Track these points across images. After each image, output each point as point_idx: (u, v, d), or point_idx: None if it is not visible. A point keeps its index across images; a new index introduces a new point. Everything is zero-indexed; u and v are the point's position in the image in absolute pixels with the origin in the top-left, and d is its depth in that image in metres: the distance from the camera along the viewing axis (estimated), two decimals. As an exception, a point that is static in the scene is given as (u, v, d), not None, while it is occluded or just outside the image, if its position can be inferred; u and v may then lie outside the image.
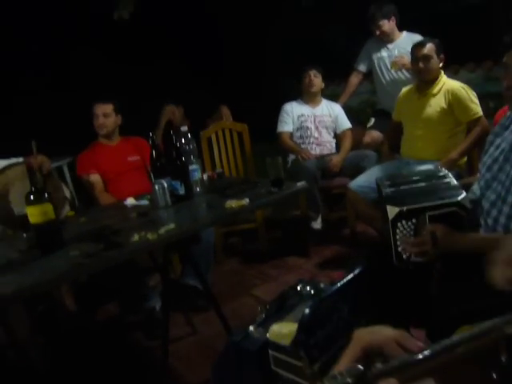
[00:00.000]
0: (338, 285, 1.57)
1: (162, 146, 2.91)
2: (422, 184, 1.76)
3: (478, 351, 0.61)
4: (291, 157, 3.62)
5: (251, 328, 1.71)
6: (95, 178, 3.00)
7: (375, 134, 3.71)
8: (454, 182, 1.71)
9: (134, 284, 2.93)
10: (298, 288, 1.91)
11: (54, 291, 2.76)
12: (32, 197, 1.78)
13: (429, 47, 2.88)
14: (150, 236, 1.78)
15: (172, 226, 1.85)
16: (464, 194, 1.55)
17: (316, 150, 3.61)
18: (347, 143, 3.61)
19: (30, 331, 2.46)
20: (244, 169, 3.72)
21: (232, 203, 2.02)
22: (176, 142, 2.28)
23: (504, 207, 1.52)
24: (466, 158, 2.99)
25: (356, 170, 3.26)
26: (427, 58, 2.88)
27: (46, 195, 1.81)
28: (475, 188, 1.72)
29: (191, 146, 2.37)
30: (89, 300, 3.06)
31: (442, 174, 1.83)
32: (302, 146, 3.61)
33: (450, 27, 4.28)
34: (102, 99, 3.09)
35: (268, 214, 4.15)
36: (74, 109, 3.31)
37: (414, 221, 1.57)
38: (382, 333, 0.60)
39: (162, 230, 1.82)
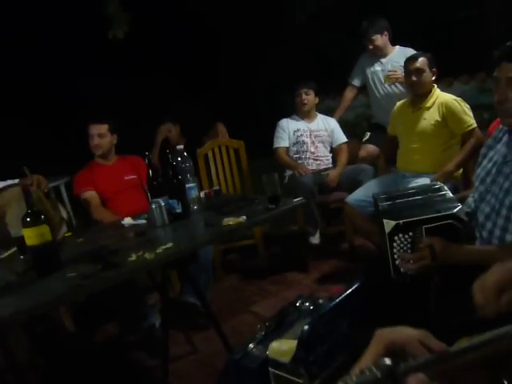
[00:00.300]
0: (337, 300, 1.57)
1: (158, 164, 2.93)
2: (418, 197, 1.77)
3: (492, 356, 0.61)
4: (288, 172, 3.63)
5: (251, 345, 1.71)
6: (91, 194, 3.01)
7: (371, 148, 3.73)
8: (450, 194, 1.72)
9: (132, 303, 2.92)
10: (297, 304, 1.91)
11: (53, 312, 2.75)
12: (28, 219, 1.78)
13: (421, 61, 2.92)
14: (147, 255, 1.78)
15: (170, 244, 1.85)
16: (460, 207, 1.55)
17: (313, 165, 3.62)
18: (343, 157, 3.63)
19: (28, 353, 2.45)
20: (241, 185, 3.74)
21: (229, 220, 2.02)
22: (172, 161, 2.29)
23: (498, 220, 1.53)
24: (461, 170, 3.00)
25: (353, 184, 3.27)
26: (420, 71, 2.91)
27: (43, 217, 1.82)
28: (470, 201, 1.74)
29: (187, 164, 2.39)
30: (88, 320, 3.05)
31: (437, 186, 1.84)
32: (299, 162, 3.62)
33: (443, 40, 4.33)
34: (97, 119, 3.11)
35: (266, 229, 4.15)
36: (71, 128, 3.32)
37: (410, 234, 1.57)
38: (405, 332, 0.61)
39: (160, 249, 1.82)
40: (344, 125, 4.23)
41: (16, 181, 2.69)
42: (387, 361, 0.56)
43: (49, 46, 4.61)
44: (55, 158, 3.88)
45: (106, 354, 2.81)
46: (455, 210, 1.55)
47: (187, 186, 2.34)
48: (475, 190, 1.71)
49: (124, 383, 2.48)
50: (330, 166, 3.68)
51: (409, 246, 1.58)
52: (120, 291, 2.83)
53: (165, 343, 2.21)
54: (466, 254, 1.49)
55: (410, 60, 2.96)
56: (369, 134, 3.83)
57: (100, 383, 2.47)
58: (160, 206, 2.18)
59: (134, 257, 1.79)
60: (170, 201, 2.25)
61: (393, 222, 1.58)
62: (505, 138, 1.62)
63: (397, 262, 1.61)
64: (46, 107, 4.78)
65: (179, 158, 2.37)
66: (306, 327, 1.44)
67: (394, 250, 1.61)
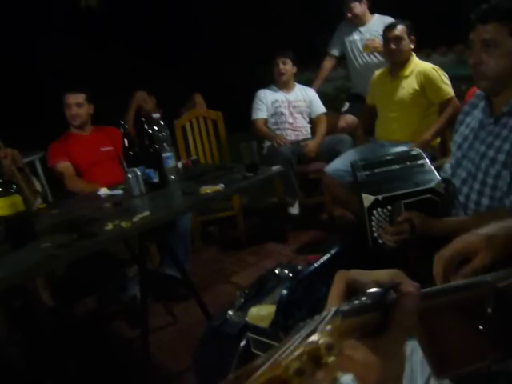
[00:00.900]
0: (315, 265, 1.57)
1: (133, 134, 2.87)
2: (397, 166, 1.75)
3: (467, 301, 0.61)
4: (267, 143, 3.61)
5: (230, 312, 1.71)
6: (66, 165, 2.94)
7: (350, 119, 3.72)
8: (428, 164, 1.70)
9: (111, 276, 2.90)
10: (277, 271, 1.91)
11: (30, 286, 2.71)
12: (0, 189, 1.74)
13: (400, 29, 2.89)
14: (123, 224, 1.76)
15: (146, 213, 1.82)
16: (438, 180, 1.54)
17: (291, 136, 3.60)
18: (322, 128, 3.61)
19: (6, 328, 2.41)
20: (220, 157, 3.70)
21: (207, 189, 2.00)
22: (148, 130, 2.25)
23: (474, 184, 1.54)
24: (439, 139, 3.02)
25: (332, 154, 3.26)
26: (399, 39, 2.89)
27: (15, 187, 1.77)
28: (447, 167, 1.74)
29: (164, 134, 2.34)
30: (66, 294, 3.02)
31: (415, 153, 1.83)
32: (278, 132, 3.60)
33: (421, 11, 4.29)
34: (74, 89, 3.03)
35: (246, 201, 4.15)
36: (43, 100, 3.22)
37: (389, 208, 1.57)
38: (372, 273, 0.55)
39: (137, 218, 1.79)
40: (323, 97, 4.20)
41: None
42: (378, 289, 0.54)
43: (21, 17, 4.43)
44: (29, 132, 3.75)
45: (86, 327, 2.79)
46: (434, 184, 1.54)
47: (164, 155, 2.31)
48: (452, 156, 1.72)
49: (105, 356, 2.47)
50: (309, 136, 3.66)
51: (387, 219, 1.58)
52: (98, 264, 2.82)
53: (144, 314, 2.20)
54: (444, 226, 1.50)
55: (389, 28, 2.93)
56: (348, 104, 3.81)
57: (80, 356, 2.45)
58: (136, 176, 2.14)
59: (110, 226, 1.76)
60: (147, 170, 2.21)
61: (372, 197, 1.58)
62: (481, 104, 1.62)
63: (375, 235, 1.62)
64: (19, 79, 4.62)
65: (155, 127, 2.32)
66: (284, 292, 1.45)
67: (373, 223, 1.61)
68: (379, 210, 1.59)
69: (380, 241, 1.62)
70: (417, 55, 3.03)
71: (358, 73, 3.75)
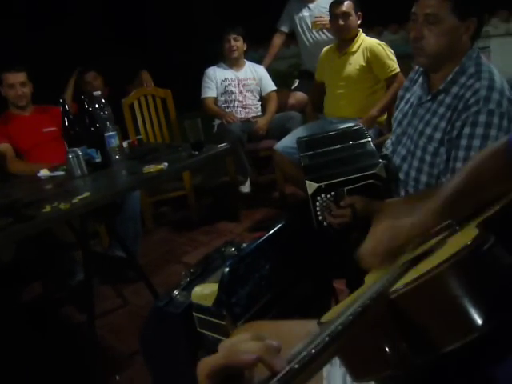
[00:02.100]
0: (258, 242, 1.57)
1: (75, 112, 2.76)
2: (339, 146, 1.75)
3: (366, 325, 0.61)
4: (217, 121, 3.56)
5: (175, 292, 1.69)
6: (5, 146, 2.83)
7: (300, 96, 3.71)
8: (371, 144, 1.70)
9: (59, 260, 2.83)
10: (222, 249, 1.91)
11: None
12: None
13: (347, 4, 2.89)
14: (62, 206, 1.70)
15: (86, 194, 1.77)
16: (380, 164, 1.55)
17: (241, 114, 3.56)
18: (272, 105, 3.59)
19: None
20: (170, 136, 3.64)
21: (150, 168, 1.96)
22: (89, 108, 2.17)
23: (413, 161, 1.56)
24: (386, 115, 3.06)
25: (282, 131, 3.25)
26: (346, 15, 2.89)
27: None
28: (389, 143, 1.76)
29: (106, 112, 2.27)
30: (12, 280, 2.93)
31: (357, 128, 1.84)
32: (227, 111, 3.55)
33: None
34: (15, 67, 2.89)
35: (198, 181, 4.11)
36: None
37: (332, 193, 1.58)
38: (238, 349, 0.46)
39: (76, 199, 1.74)
40: (276, 74, 4.17)
41: None
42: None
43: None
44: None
45: (33, 313, 2.71)
46: (376, 170, 1.56)
47: (107, 134, 2.24)
48: (393, 133, 1.74)
49: (55, 341, 2.41)
50: (260, 114, 3.64)
51: (331, 203, 1.59)
52: (45, 248, 2.74)
53: (90, 297, 2.14)
54: None
55: (336, 4, 2.92)
56: (297, 81, 3.80)
57: (29, 343, 2.39)
58: (77, 156, 2.07)
59: (47, 208, 1.70)
60: (89, 150, 2.14)
61: (315, 185, 1.58)
62: (420, 80, 1.63)
63: (320, 218, 1.62)
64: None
65: (97, 105, 2.24)
66: (226, 269, 1.44)
67: (317, 208, 1.62)
68: (323, 195, 1.60)
69: (325, 223, 1.63)
70: (368, 33, 3.04)
71: (307, 49, 3.73)
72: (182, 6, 5.27)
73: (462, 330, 0.61)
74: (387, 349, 0.63)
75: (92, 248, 2.84)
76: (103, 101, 2.27)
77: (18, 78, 2.83)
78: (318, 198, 1.60)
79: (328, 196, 1.60)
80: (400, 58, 2.96)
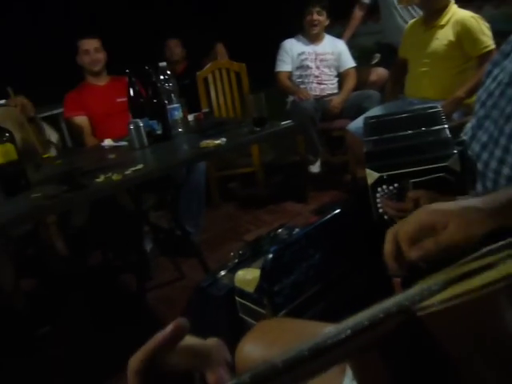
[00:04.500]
0: (307, 229, 1.46)
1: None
2: (409, 132, 1.57)
3: (379, 340, 0.48)
4: (290, 98, 3.43)
5: (222, 273, 1.64)
6: (82, 120, 2.91)
7: (381, 72, 3.46)
8: (446, 131, 1.50)
9: (125, 229, 2.88)
10: (277, 233, 1.82)
11: (43, 234, 2.73)
12: (-9, 136, 1.69)
13: (437, -29, 2.61)
14: (114, 177, 1.69)
15: (139, 166, 1.75)
16: (454, 155, 1.36)
17: (316, 90, 3.40)
18: (350, 83, 3.39)
19: (14, 276, 2.43)
20: (242, 111, 3.56)
21: (208, 143, 1.89)
22: (152, 79, 2.14)
23: (496, 150, 1.33)
24: (474, 97, 2.75)
25: (358, 111, 3.05)
26: (435, -18, 2.61)
27: (7, 135, 1.72)
28: (468, 127, 1.54)
29: (171, 84, 2.23)
30: (81, 244, 3.04)
31: (433, 111, 1.64)
32: (302, 86, 3.40)
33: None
34: (89, 34, 2.95)
35: (269, 158, 4.03)
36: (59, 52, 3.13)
37: (396, 185, 1.41)
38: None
39: (129, 171, 1.72)
40: (360, 50, 3.94)
41: (2, 101, 2.59)
42: None
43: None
44: (52, 85, 3.70)
45: (96, 278, 2.80)
46: (448, 162, 1.36)
47: (170, 106, 2.21)
48: (474, 115, 1.52)
49: (110, 307, 2.47)
50: (336, 91, 3.45)
51: (394, 196, 1.43)
52: (113, 216, 2.80)
53: (146, 269, 2.15)
54: None
55: (424, -30, 2.65)
56: (379, 55, 3.53)
57: (86, 306, 2.47)
58: (138, 127, 2.05)
59: (101, 178, 1.70)
60: (151, 121, 2.12)
61: (376, 174, 1.42)
62: None
63: (380, 211, 1.47)
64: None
65: (161, 77, 2.21)
66: (269, 256, 1.35)
67: (378, 200, 1.46)
68: (384, 187, 1.43)
69: (386, 217, 1.48)
70: (466, 7, 2.74)
71: (390, 22, 3.44)
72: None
73: None
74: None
75: (154, 220, 2.88)
76: (168, 72, 2.23)
77: (92, 44, 2.88)
78: (379, 189, 1.44)
79: (390, 188, 1.43)
80: (498, 37, 2.63)
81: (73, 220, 3.06)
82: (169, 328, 0.43)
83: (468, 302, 0.50)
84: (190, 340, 0.45)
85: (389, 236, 0.77)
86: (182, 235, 2.57)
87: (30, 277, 2.74)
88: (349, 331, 0.45)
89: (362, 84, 3.54)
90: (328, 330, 0.55)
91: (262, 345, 0.78)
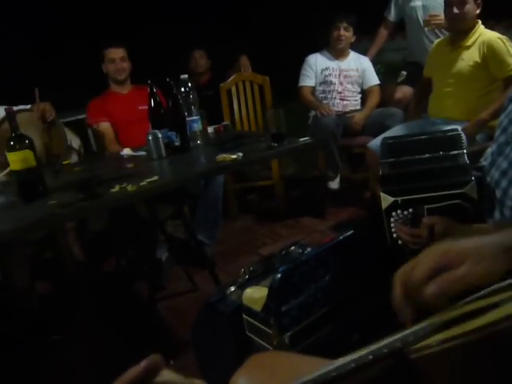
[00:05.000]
0: (318, 250, 1.44)
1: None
2: (427, 155, 1.53)
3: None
4: (312, 113, 3.42)
5: (231, 289, 1.62)
6: (105, 126, 2.96)
7: (407, 90, 3.42)
8: (465, 157, 1.46)
9: (140, 237, 2.90)
10: (289, 250, 1.80)
11: (62, 239, 2.77)
12: (12, 143, 1.73)
13: (464, -10, 2.58)
14: (129, 187, 1.70)
15: (155, 177, 1.76)
16: (472, 182, 1.33)
17: (339, 106, 3.39)
18: (373, 100, 3.37)
19: (29, 278, 2.47)
20: (264, 124, 3.57)
21: (224, 157, 1.89)
22: (173, 91, 2.15)
23: None
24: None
25: (380, 128, 3.02)
26: (462, 2, 2.57)
27: (27, 142, 1.75)
28: (488, 152, 1.50)
29: (192, 96, 2.24)
30: (97, 250, 3.07)
31: (453, 134, 1.61)
32: (325, 102, 3.39)
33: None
34: (115, 43, 3.00)
35: (290, 172, 4.03)
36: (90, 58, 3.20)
37: (410, 210, 1.38)
38: None
39: (144, 182, 1.73)
40: (387, 66, 3.92)
41: (28, 106, 2.65)
42: None
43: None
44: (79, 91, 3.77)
45: (110, 284, 2.82)
46: (465, 189, 1.33)
47: (190, 118, 2.22)
48: (495, 141, 1.48)
49: (121, 315, 2.48)
50: (359, 107, 3.43)
51: (408, 221, 1.40)
52: (131, 224, 2.83)
53: (159, 279, 2.15)
54: (470, 235, 1.28)
55: (451, -11, 2.62)
56: (405, 73, 3.49)
57: (98, 312, 2.49)
58: (156, 138, 2.07)
59: (116, 188, 1.72)
60: (169, 133, 2.14)
61: (390, 199, 1.39)
62: None
63: (394, 236, 1.44)
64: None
65: (182, 89, 2.22)
66: (277, 276, 1.33)
67: (392, 225, 1.44)
68: (399, 212, 1.41)
69: (400, 242, 1.45)
70: (495, 27, 2.70)
71: (417, 40, 3.42)
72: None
73: None
74: None
75: (171, 228, 2.90)
76: (189, 84, 2.24)
77: (118, 53, 2.95)
78: (394, 213, 1.42)
79: (405, 213, 1.40)
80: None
81: (91, 225, 3.11)
82: (142, 363, 0.44)
83: (466, 344, 0.48)
84: (169, 376, 0.45)
85: (397, 280, 0.73)
86: (195, 246, 2.57)
87: (45, 279, 2.78)
88: (334, 373, 0.44)
89: (386, 100, 3.51)
90: (316, 372, 0.54)
91: (257, 380, 0.76)
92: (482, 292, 0.72)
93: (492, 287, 0.72)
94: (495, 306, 0.61)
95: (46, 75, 3.89)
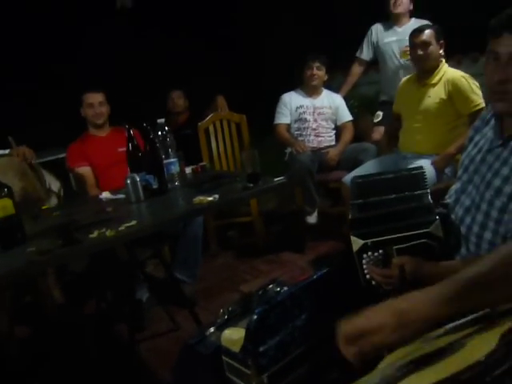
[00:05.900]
0: (293, 290, 1.47)
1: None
2: (393, 196, 1.60)
3: None
4: (288, 149, 3.51)
5: (211, 330, 1.64)
6: (86, 170, 2.97)
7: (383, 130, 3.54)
8: (428, 197, 1.53)
9: (121, 278, 2.90)
10: (267, 289, 1.83)
11: (42, 283, 2.75)
12: (-10, 191, 1.75)
13: (427, 33, 2.72)
14: (108, 233, 1.72)
15: (133, 222, 1.78)
16: (436, 221, 1.39)
17: (314, 142, 3.49)
18: (347, 136, 3.48)
19: (9, 323, 2.44)
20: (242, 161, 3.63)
21: (201, 199, 1.94)
22: (150, 135, 2.21)
23: (477, 215, 1.35)
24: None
25: (354, 163, 3.12)
26: (426, 44, 2.72)
27: (6, 190, 1.78)
28: (453, 190, 1.57)
29: (169, 139, 2.30)
30: (77, 293, 3.05)
31: (417, 172, 1.68)
32: (300, 138, 3.49)
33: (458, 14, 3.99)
34: (94, 88, 3.06)
35: (269, 207, 4.08)
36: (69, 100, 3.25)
37: (380, 252, 1.44)
38: None
39: (123, 227, 1.76)
40: (363, 100, 4.03)
41: (6, 151, 2.68)
42: None
43: (52, 17, 4.49)
44: (57, 132, 3.80)
45: (90, 327, 2.79)
46: (430, 229, 1.39)
47: (167, 161, 2.27)
48: (458, 179, 1.55)
49: (102, 357, 2.46)
50: (333, 143, 3.53)
51: (379, 262, 1.45)
52: (111, 265, 2.83)
53: (137, 321, 2.16)
54: (437, 272, 1.34)
55: (416, 32, 2.76)
56: (381, 114, 3.61)
57: (78, 355, 2.46)
58: (134, 182, 2.11)
59: (95, 233, 1.74)
60: (147, 176, 2.18)
61: (361, 241, 1.45)
62: (492, 121, 1.44)
63: (367, 277, 1.49)
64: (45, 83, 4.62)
65: (159, 132, 2.28)
66: (253, 317, 1.36)
67: (364, 266, 1.49)
68: (369, 253, 1.46)
69: (373, 282, 1.50)
70: (447, 61, 2.85)
71: (391, 76, 3.55)
72: (264, 31, 5.30)
73: None
74: None
75: (151, 267, 2.91)
76: (166, 128, 2.30)
77: (96, 97, 2.99)
78: (365, 255, 1.47)
79: (376, 254, 1.46)
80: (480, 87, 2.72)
81: (71, 265, 3.09)
82: None
83: None
84: None
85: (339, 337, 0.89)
86: (175, 286, 2.58)
87: (25, 324, 2.75)
88: None
89: (361, 134, 3.62)
90: None
91: None
92: (440, 330, 0.77)
93: (449, 325, 0.77)
94: (453, 346, 0.66)
95: (25, 114, 3.94)
